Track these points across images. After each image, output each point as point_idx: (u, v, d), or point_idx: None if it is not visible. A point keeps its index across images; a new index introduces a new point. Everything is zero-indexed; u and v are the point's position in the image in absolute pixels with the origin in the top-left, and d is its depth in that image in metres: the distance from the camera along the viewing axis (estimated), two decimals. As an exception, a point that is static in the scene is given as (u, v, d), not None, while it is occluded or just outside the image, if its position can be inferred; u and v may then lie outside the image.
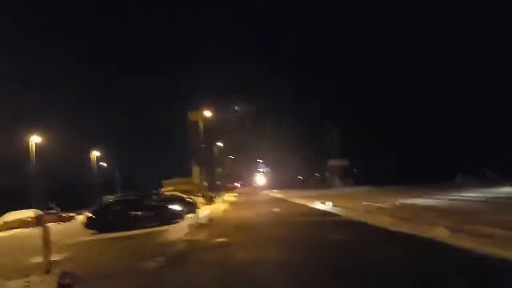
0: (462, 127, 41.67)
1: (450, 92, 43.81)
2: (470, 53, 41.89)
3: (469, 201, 16.94)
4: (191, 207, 19.93)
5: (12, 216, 30.42)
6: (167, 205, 18.62)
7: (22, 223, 29.65)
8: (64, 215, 33.10)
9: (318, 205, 20.65)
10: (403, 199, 20.17)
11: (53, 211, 35.33)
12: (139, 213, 17.69)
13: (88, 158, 54.17)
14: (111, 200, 20.87)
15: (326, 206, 19.40)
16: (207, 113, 22.19)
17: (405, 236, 8.93)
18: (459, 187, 29.02)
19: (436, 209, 14.25)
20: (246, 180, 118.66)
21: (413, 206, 16.43)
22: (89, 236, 16.46)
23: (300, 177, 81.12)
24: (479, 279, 5.28)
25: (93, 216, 18.16)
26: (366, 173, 56.40)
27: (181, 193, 26.34)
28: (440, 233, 8.21)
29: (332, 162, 64.39)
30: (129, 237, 14.73)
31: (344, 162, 63.20)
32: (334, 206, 18.65)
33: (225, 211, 24.27)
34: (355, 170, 63.27)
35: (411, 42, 48.66)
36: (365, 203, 19.55)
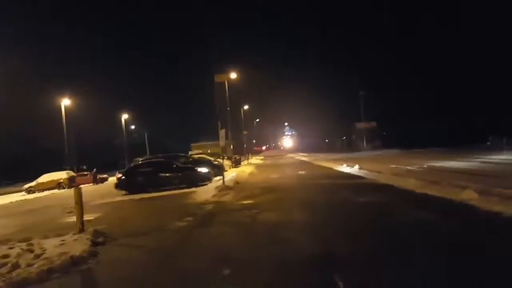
0: (493, 93, 40.08)
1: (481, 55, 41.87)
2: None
3: (500, 163, 16.48)
4: (218, 170, 20.19)
5: (46, 177, 31.66)
6: (195, 168, 18.94)
7: (56, 184, 30.90)
8: (97, 176, 34.22)
9: (344, 168, 20.54)
10: (432, 162, 19.81)
11: (86, 172, 36.51)
12: (167, 175, 18.08)
13: (117, 121, 55.32)
14: (140, 162, 21.35)
15: (353, 169, 19.28)
16: (233, 75, 21.96)
17: (433, 199, 8.81)
18: (490, 150, 28.20)
19: (466, 172, 13.94)
20: (272, 143, 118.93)
21: (442, 169, 16.12)
22: (120, 196, 16.99)
23: (327, 140, 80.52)
24: (507, 241, 5.18)
25: (124, 178, 18.67)
26: (395, 136, 55.33)
27: (208, 156, 26.69)
28: (469, 196, 8.05)
29: (360, 125, 63.45)
30: (158, 198, 15.13)
31: (372, 125, 62.16)
32: (361, 169, 18.52)
33: (251, 173, 24.51)
34: (384, 133, 62.21)
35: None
36: (393, 166, 19.33)
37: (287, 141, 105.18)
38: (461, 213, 7.22)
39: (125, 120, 55.77)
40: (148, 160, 21.60)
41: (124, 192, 17.91)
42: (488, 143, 35.97)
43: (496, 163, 16.73)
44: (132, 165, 22.09)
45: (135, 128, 62.38)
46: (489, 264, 4.39)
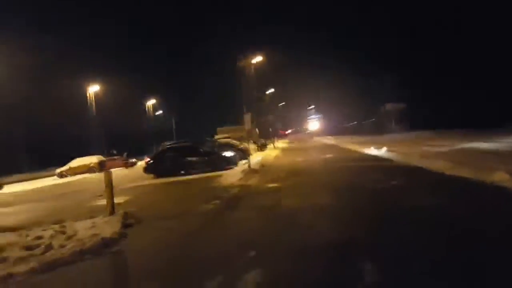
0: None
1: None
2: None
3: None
4: (244, 154, 20.30)
5: (78, 162, 32.58)
6: (220, 152, 19.10)
7: (87, 169, 31.78)
8: (127, 160, 34.99)
9: (372, 151, 20.24)
10: (461, 143, 19.28)
11: (115, 157, 37.37)
12: (194, 159, 18.32)
13: (143, 107, 56.22)
14: (167, 147, 21.68)
15: (380, 151, 18.98)
16: (258, 59, 21.86)
17: (462, 180, 8.60)
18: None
19: (496, 153, 13.49)
20: (298, 127, 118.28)
21: (472, 150, 15.66)
22: (149, 180, 17.35)
23: (354, 122, 79.48)
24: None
25: (152, 162, 19.04)
26: (422, 118, 54.02)
27: (234, 140, 26.81)
28: (500, 178, 7.81)
29: (388, 106, 62.21)
30: (185, 181, 15.38)
31: (400, 106, 60.86)
32: (389, 151, 18.20)
33: (276, 157, 24.51)
34: (412, 114, 60.82)
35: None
36: (422, 147, 18.91)
37: (313, 123, 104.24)
38: (492, 195, 7.02)
39: (152, 106, 56.64)
40: (175, 145, 21.92)
41: (152, 176, 18.29)
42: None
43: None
44: (159, 150, 22.45)
45: (162, 113, 63.22)
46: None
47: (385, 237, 5.22)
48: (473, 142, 19.02)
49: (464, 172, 9.24)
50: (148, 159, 19.57)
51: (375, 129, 60.64)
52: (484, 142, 18.87)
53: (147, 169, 18.90)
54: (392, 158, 15.68)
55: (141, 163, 28.30)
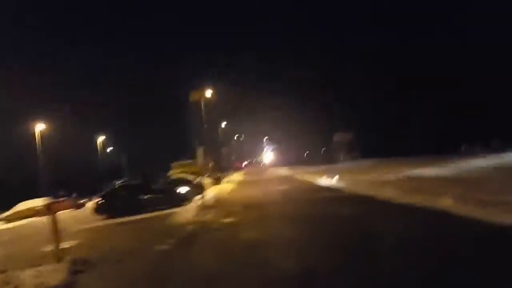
0: (465, 98, 41.27)
1: (456, 61, 43.20)
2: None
3: (474, 171, 16.86)
4: (198, 189, 20.00)
5: (23, 205, 30.79)
6: (174, 188, 18.76)
7: (33, 212, 30.02)
8: (76, 201, 33.52)
9: (325, 181, 20.69)
10: (409, 170, 20.14)
11: (63, 198, 35.64)
12: (147, 197, 17.86)
13: (93, 144, 54.53)
14: (118, 185, 21.05)
15: (333, 181, 19.44)
16: (209, 92, 22.01)
17: (411, 207, 8.94)
18: (464, 156, 28.88)
19: (442, 179, 14.20)
20: (253, 159, 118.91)
21: (419, 177, 16.40)
22: (99, 221, 16.67)
23: (307, 152, 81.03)
24: (487, 248, 5.28)
25: (102, 202, 18.36)
26: (370, 146, 56.23)
27: (190, 174, 26.47)
28: (447, 203, 8.21)
29: (337, 137, 64.20)
30: (138, 221, 14.91)
31: (349, 136, 62.99)
32: (341, 180, 18.69)
33: (232, 191, 24.42)
34: (360, 143, 63.10)
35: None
36: (371, 175, 19.56)
37: (268, 155, 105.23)
38: (441, 220, 7.34)
39: (102, 142, 55.06)
40: (126, 183, 21.33)
41: (103, 216, 17.59)
42: (462, 149, 36.80)
43: (471, 170, 17.11)
44: (110, 189, 21.72)
45: (112, 150, 61.57)
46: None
47: (342, 267, 5.28)
48: (419, 169, 19.90)
49: (414, 199, 9.63)
50: (99, 199, 18.85)
51: (326, 159, 62.11)
52: (429, 168, 19.82)
53: (98, 209, 18.16)
54: (344, 187, 16.10)
55: (91, 203, 27.17)
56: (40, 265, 7.37)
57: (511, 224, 6.16)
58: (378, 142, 54.94)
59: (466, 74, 41.01)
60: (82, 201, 34.45)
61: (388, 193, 11.41)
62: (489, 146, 34.05)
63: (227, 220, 11.30)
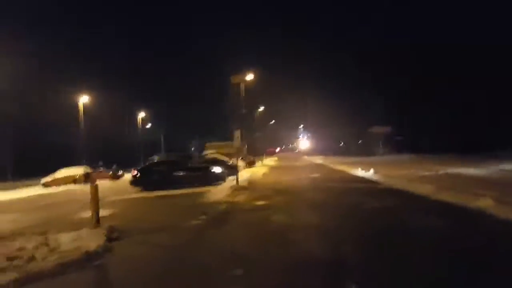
0: (500, 100, 39.41)
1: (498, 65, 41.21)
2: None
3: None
4: (232, 170, 20.23)
5: (63, 173, 32.05)
6: (209, 167, 19.04)
7: (72, 180, 31.28)
8: (115, 173, 34.59)
9: (359, 172, 20.40)
10: (447, 168, 19.54)
11: (101, 169, 36.91)
12: (182, 173, 18.23)
13: (134, 120, 55.94)
14: (156, 161, 21.55)
15: (367, 173, 19.14)
16: (249, 76, 22.01)
17: (447, 205, 8.71)
18: (504, 158, 27.68)
19: (481, 180, 13.72)
20: (287, 145, 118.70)
21: (457, 175, 15.90)
22: (135, 193, 17.18)
23: (342, 142, 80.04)
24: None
25: (139, 175, 18.88)
26: (409, 141, 54.84)
27: (223, 156, 26.79)
28: (485, 203, 7.94)
29: (375, 129, 62.91)
30: (172, 196, 15.26)
31: (387, 129, 61.61)
32: (376, 173, 18.37)
33: (264, 175, 24.52)
34: (398, 137, 61.60)
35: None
36: (407, 171, 19.13)
37: (303, 142, 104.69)
38: (476, 220, 7.12)
39: (141, 119, 56.40)
40: (164, 159, 21.82)
41: (139, 189, 18.11)
42: (496, 153, 35.28)
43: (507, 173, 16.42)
44: (147, 163, 22.30)
45: (151, 127, 63.02)
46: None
47: (371, 259, 5.25)
48: (457, 167, 19.31)
49: (450, 197, 9.37)
50: (135, 172, 19.39)
51: (362, 151, 61.12)
52: (468, 167, 19.16)
53: (135, 182, 18.70)
54: (379, 180, 15.81)
55: (128, 176, 28.02)
56: (78, 230, 7.72)
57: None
58: (415, 138, 53.58)
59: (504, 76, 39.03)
60: (119, 172, 35.53)
61: (423, 189, 11.14)
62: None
63: (259, 202, 11.40)
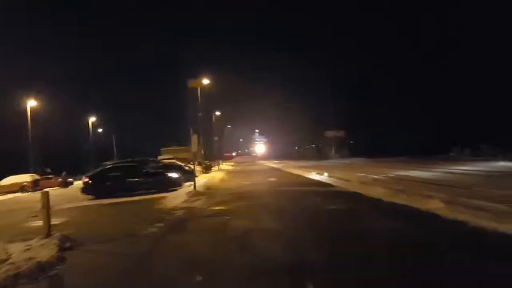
0: (458, 103, 41.74)
1: (451, 69, 43.63)
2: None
3: (463, 174, 17.16)
4: (189, 175, 20.02)
5: (9, 180, 30.51)
6: (165, 173, 18.74)
7: (19, 187, 29.82)
8: (62, 180, 33.26)
9: (314, 176, 20.86)
10: (398, 171, 20.40)
11: (50, 176, 35.38)
12: (137, 179, 17.82)
13: (84, 124, 54.09)
14: (108, 166, 20.94)
15: (322, 177, 19.61)
16: (206, 81, 21.95)
17: (399, 207, 9.08)
18: (453, 160, 29.31)
19: (430, 182, 14.44)
20: (243, 150, 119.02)
21: (408, 178, 16.64)
22: (87, 201, 16.62)
23: (297, 147, 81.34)
24: (471, 250, 5.40)
25: (90, 182, 18.27)
26: (361, 145, 56.81)
27: (179, 161, 26.47)
28: (434, 205, 8.35)
29: (329, 133, 64.52)
30: (127, 203, 14.89)
31: (340, 134, 63.36)
32: (330, 177, 18.86)
33: (222, 179, 24.49)
34: (351, 142, 63.54)
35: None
36: (360, 174, 19.78)
37: (259, 147, 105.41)
38: (426, 221, 7.48)
39: (92, 123, 54.63)
40: (117, 164, 21.24)
41: (91, 196, 17.54)
42: (452, 154, 37.30)
43: (459, 174, 17.41)
44: (99, 169, 21.63)
45: (103, 131, 61.17)
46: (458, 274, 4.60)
47: (328, 259, 5.39)
48: (408, 170, 20.19)
49: (401, 199, 9.79)
50: (87, 179, 18.75)
51: (317, 155, 62.47)
52: (418, 170, 20.09)
53: (86, 189, 18.06)
54: (333, 183, 16.25)
55: (79, 183, 27.04)
56: (29, 239, 7.39)
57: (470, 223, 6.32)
58: (368, 141, 55.51)
59: (460, 79, 41.40)
60: (69, 179, 34.24)
61: (375, 192, 11.56)
62: (478, 151, 34.54)
63: (217, 208, 11.36)
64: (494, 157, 27.99)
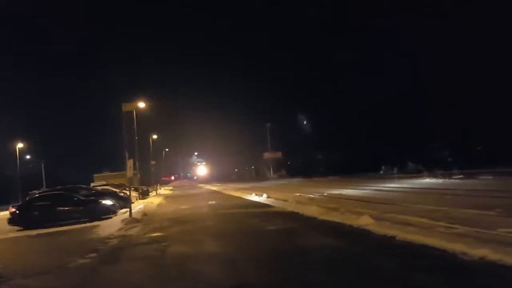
0: (387, 121, 44.44)
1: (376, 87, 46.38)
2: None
3: (391, 191, 18.19)
4: (124, 202, 19.36)
5: None
6: (98, 200, 17.98)
7: None
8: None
9: (253, 197, 21.09)
10: (331, 189, 21.21)
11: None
12: (67, 208, 16.95)
13: (10, 151, 50.54)
14: (37, 195, 19.75)
15: (260, 198, 19.88)
16: (142, 104, 21.58)
17: (333, 225, 9.47)
18: (383, 178, 30.98)
19: (361, 199, 15.20)
20: (182, 173, 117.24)
21: (340, 196, 17.35)
22: (14, 233, 15.57)
23: (236, 169, 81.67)
24: (400, 263, 5.76)
25: (18, 212, 17.13)
26: (298, 166, 58.49)
27: (114, 187, 25.55)
28: (365, 222, 8.80)
29: (266, 155, 65.63)
30: (57, 233, 14.14)
31: (278, 155, 64.72)
32: (268, 197, 19.17)
33: (160, 205, 23.95)
34: (289, 162, 65.02)
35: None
36: (297, 194, 20.31)
37: (201, 169, 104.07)
38: (359, 237, 7.86)
39: (19, 150, 51.24)
40: (46, 193, 20.10)
41: (18, 228, 16.42)
42: (381, 172, 39.35)
43: (387, 191, 18.43)
44: (27, 198, 20.34)
45: (30, 159, 57.56)
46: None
47: (270, 279, 5.51)
48: (341, 189, 21.04)
49: (334, 217, 10.23)
50: (14, 209, 17.54)
51: (256, 176, 63.10)
52: (350, 188, 21.02)
53: (13, 220, 16.86)
54: (271, 204, 16.58)
55: (5, 213, 25.15)
56: None
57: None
58: (303, 162, 57.30)
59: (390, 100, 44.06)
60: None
61: (311, 211, 11.96)
62: (404, 168, 36.78)
63: (154, 234, 11.10)
64: (419, 174, 29.94)
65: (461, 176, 23.17)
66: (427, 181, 23.25)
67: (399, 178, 28.58)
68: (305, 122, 56.29)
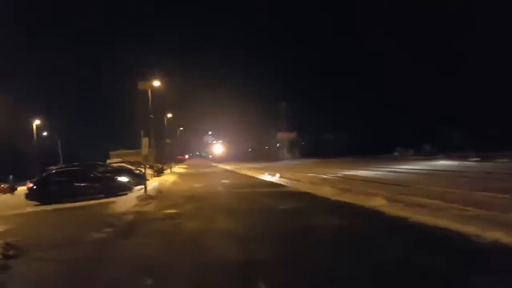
0: (403, 104, 43.66)
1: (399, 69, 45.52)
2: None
3: (405, 173, 18.07)
4: (140, 179, 19.64)
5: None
6: (114, 177, 18.29)
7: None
8: (9, 185, 31.57)
9: (266, 177, 21.17)
10: (345, 170, 21.15)
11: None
12: (84, 184, 17.30)
13: (28, 127, 51.50)
14: (54, 171, 20.16)
15: (274, 177, 19.95)
16: (157, 83, 21.62)
17: (346, 205, 9.49)
18: (397, 160, 30.77)
19: (375, 180, 15.14)
20: (196, 152, 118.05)
21: (354, 177, 17.31)
22: (32, 207, 15.97)
23: (250, 149, 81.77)
24: (411, 244, 5.78)
25: (35, 187, 17.55)
26: (312, 146, 58.23)
27: (129, 164, 25.88)
28: (378, 203, 8.80)
29: (280, 135, 65.50)
30: (73, 208, 14.46)
31: (292, 135, 64.54)
32: (281, 177, 19.24)
33: (174, 182, 24.24)
34: (302, 143, 64.85)
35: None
36: (310, 174, 20.32)
37: (214, 148, 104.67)
38: (371, 218, 7.88)
39: (36, 126, 52.15)
40: (63, 169, 20.50)
41: (36, 202, 16.84)
42: (396, 153, 39.07)
43: (402, 172, 18.32)
44: (45, 174, 20.77)
45: (48, 135, 58.54)
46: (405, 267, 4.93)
47: (281, 256, 5.58)
48: (355, 170, 20.97)
49: (348, 198, 10.23)
50: (32, 185, 17.97)
51: (269, 156, 63.18)
52: (364, 170, 20.92)
53: (30, 195, 17.32)
54: (284, 184, 16.62)
55: (23, 188, 25.79)
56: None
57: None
58: (319, 142, 57.01)
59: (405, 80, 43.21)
60: (13, 185, 32.55)
61: (324, 191, 11.98)
62: (420, 151, 36.42)
63: (169, 211, 11.28)
64: (435, 156, 29.64)
65: (477, 158, 22.86)
66: (442, 163, 23.03)
67: (414, 160, 28.35)
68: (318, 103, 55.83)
